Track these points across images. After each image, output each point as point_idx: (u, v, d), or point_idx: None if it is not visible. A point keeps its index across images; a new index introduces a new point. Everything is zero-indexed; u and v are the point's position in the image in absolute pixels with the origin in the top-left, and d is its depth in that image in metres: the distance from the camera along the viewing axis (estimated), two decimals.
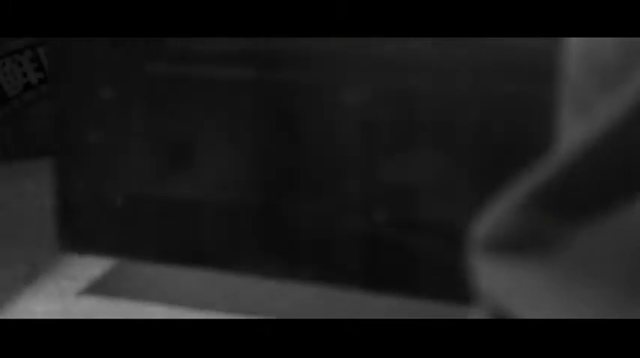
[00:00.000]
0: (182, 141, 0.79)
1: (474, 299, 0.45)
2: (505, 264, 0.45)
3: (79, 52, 0.81)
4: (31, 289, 0.87)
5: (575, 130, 0.47)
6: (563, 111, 0.49)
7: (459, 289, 0.68)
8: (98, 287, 0.91)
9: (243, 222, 0.79)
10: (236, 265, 0.80)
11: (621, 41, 0.42)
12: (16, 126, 1.38)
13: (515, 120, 0.74)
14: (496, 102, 0.72)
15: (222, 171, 0.78)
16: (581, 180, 0.43)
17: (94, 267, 0.93)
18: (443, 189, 0.73)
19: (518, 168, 0.76)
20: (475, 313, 0.47)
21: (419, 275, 0.76)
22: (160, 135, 0.79)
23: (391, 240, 0.76)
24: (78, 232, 0.83)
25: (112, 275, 0.94)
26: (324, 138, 0.76)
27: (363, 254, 0.77)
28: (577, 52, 0.46)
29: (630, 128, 0.40)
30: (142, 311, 0.87)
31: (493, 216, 0.46)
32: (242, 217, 0.79)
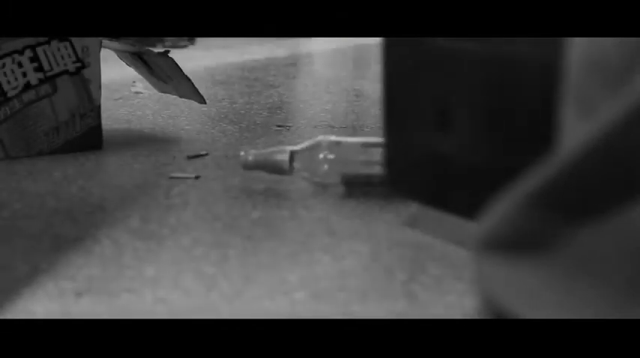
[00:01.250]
0: (444, 105, 0.92)
1: None
2: (505, 264, 0.46)
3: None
4: (30, 289, 0.87)
5: (576, 130, 0.47)
6: (564, 111, 0.49)
7: None
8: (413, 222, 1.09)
9: (483, 178, 0.90)
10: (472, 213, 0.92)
11: (622, 41, 0.42)
12: (16, 126, 1.38)
13: None
14: None
15: (468, 133, 0.90)
16: (581, 180, 0.43)
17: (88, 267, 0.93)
18: None
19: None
20: (475, 313, 0.47)
21: None
22: (430, 100, 0.94)
23: None
24: (394, 180, 1.02)
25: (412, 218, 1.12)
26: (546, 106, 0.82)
27: None
28: (578, 52, 0.46)
29: (631, 129, 0.40)
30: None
31: (494, 216, 0.46)
32: (482, 173, 0.90)
